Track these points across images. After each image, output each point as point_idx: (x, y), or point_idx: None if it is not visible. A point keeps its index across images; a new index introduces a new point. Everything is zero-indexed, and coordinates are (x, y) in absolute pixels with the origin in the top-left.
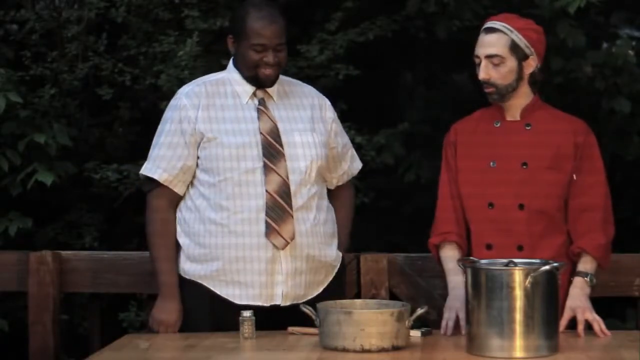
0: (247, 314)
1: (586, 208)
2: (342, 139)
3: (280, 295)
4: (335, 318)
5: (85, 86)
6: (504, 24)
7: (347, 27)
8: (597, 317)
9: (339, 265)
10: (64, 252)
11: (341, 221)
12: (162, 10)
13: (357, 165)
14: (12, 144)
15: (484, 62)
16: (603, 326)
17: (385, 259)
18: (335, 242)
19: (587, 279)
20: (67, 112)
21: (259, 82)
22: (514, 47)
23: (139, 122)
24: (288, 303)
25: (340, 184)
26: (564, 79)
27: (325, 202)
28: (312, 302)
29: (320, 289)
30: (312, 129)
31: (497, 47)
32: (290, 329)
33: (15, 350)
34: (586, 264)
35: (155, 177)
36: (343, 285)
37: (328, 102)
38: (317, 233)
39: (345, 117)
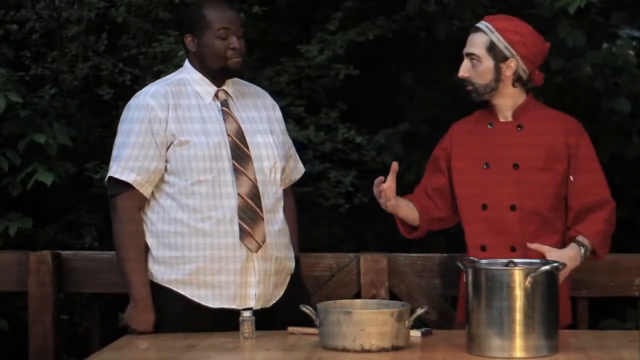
0: (247, 314)
1: (589, 208)
2: (289, 140)
3: (253, 296)
4: (335, 318)
5: (85, 86)
6: (487, 24)
7: (347, 27)
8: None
9: (293, 267)
10: (64, 252)
11: (291, 235)
12: (162, 10)
13: (300, 167)
14: (12, 144)
15: (465, 60)
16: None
17: (385, 259)
18: (290, 243)
19: (582, 250)
20: (67, 112)
21: (229, 72)
22: (492, 48)
23: None
24: (259, 306)
25: (284, 187)
26: (564, 79)
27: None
28: (276, 306)
29: (282, 292)
30: (270, 130)
31: (476, 46)
32: (290, 329)
33: (15, 350)
34: (584, 240)
35: (129, 180)
36: (303, 288)
37: (276, 103)
38: (282, 234)
39: (345, 117)
